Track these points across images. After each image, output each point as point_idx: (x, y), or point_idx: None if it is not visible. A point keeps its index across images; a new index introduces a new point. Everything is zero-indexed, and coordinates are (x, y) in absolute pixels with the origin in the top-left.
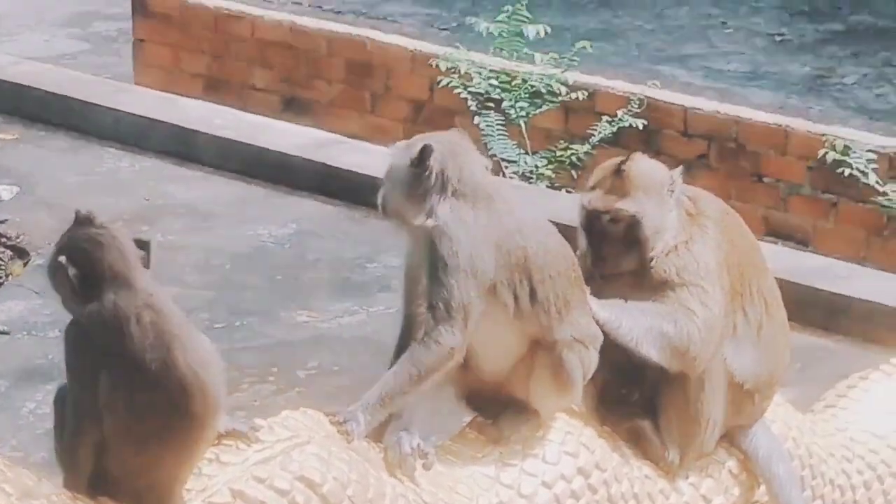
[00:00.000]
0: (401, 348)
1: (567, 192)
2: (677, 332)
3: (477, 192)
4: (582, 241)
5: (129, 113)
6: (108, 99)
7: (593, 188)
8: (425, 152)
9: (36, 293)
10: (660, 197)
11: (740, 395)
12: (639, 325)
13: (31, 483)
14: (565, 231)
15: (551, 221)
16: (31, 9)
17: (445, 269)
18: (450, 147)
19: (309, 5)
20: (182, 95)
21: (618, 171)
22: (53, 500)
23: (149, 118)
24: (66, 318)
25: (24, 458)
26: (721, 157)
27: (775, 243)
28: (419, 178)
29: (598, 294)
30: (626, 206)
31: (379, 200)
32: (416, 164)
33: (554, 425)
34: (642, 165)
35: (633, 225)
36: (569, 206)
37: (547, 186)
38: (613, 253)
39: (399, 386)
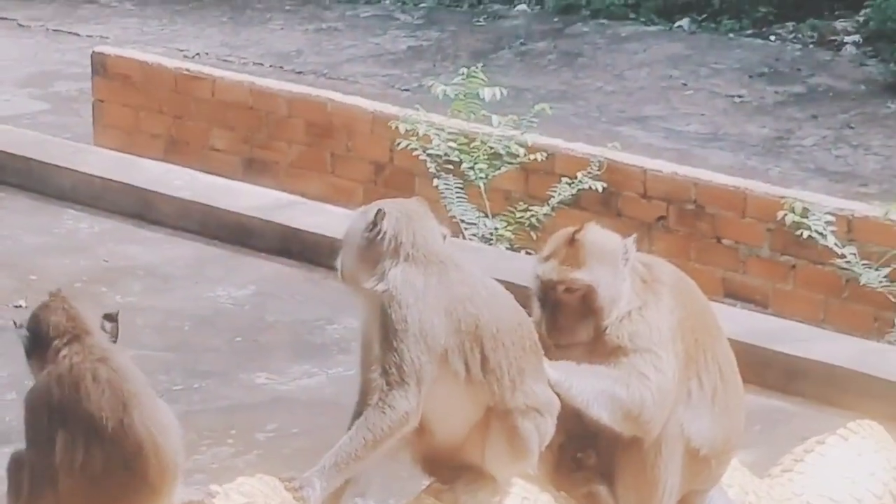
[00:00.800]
0: (358, 413)
1: (527, 253)
2: (629, 395)
3: (430, 258)
4: (536, 310)
5: (88, 174)
6: (67, 159)
7: (547, 259)
8: (378, 216)
9: None
10: (614, 266)
11: (696, 461)
12: (590, 387)
13: None
14: (524, 293)
15: (511, 283)
16: None
17: (395, 333)
18: (405, 213)
19: (270, 66)
20: (142, 156)
21: (571, 241)
22: None
23: (108, 179)
24: (24, 380)
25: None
26: (680, 219)
27: (734, 305)
28: (372, 243)
29: (551, 359)
30: (581, 276)
31: (337, 264)
32: (369, 229)
33: (510, 490)
34: (596, 235)
35: (589, 295)
36: (528, 268)
37: (507, 248)
38: (569, 323)
39: (354, 451)
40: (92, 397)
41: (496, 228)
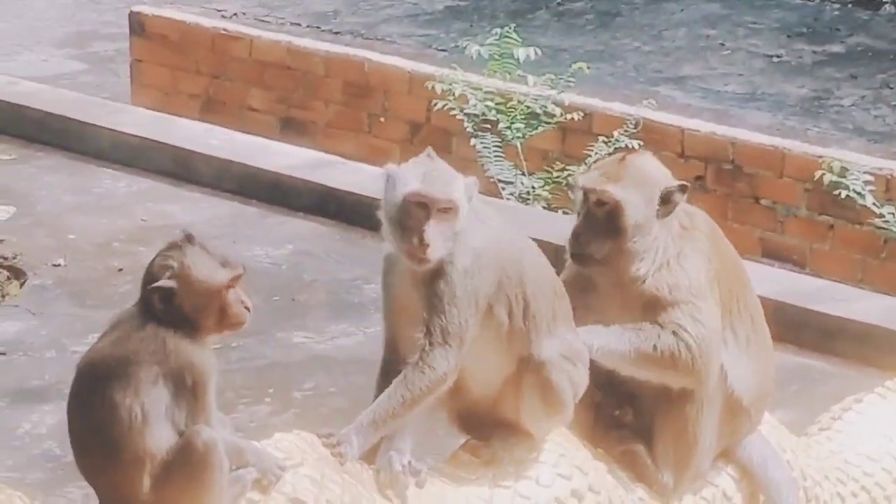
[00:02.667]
0: (385, 370)
1: (564, 213)
2: (670, 350)
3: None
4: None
5: (126, 133)
6: (105, 119)
7: (594, 170)
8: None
9: (32, 314)
10: (651, 195)
11: (736, 412)
12: (628, 347)
13: None
14: (561, 252)
15: (548, 243)
16: (28, 29)
17: (446, 296)
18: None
19: (307, 26)
20: (179, 116)
21: (620, 159)
22: None
23: (146, 139)
24: (62, 339)
25: (20, 479)
26: (718, 178)
27: (772, 265)
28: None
29: (586, 306)
30: (613, 190)
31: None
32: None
33: (548, 447)
34: (644, 160)
35: (615, 211)
36: (565, 225)
37: (543, 208)
38: (589, 234)
39: (392, 409)
40: None
41: (533, 188)
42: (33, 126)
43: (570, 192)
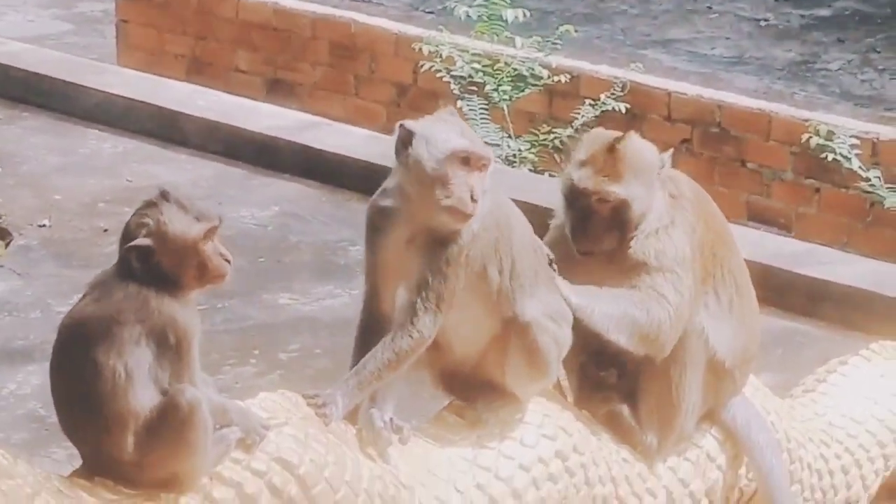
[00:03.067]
0: (364, 328)
1: (550, 175)
2: (648, 319)
3: None
4: (563, 215)
5: (112, 94)
6: (91, 80)
7: (584, 164)
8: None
9: (17, 274)
10: (649, 180)
11: (719, 374)
12: (611, 311)
13: (7, 463)
14: (549, 215)
15: (535, 206)
16: None
17: (452, 260)
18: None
19: None
20: (165, 77)
21: (611, 150)
22: (30, 481)
23: (132, 99)
24: (47, 299)
25: (4, 439)
26: (704, 142)
27: (758, 229)
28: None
29: (569, 270)
30: (618, 189)
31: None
32: (399, 151)
33: (532, 408)
34: (636, 146)
35: (621, 208)
36: (553, 189)
37: (530, 170)
38: (596, 231)
39: (377, 370)
40: None
41: (520, 150)
42: (19, 86)
43: (560, 188)
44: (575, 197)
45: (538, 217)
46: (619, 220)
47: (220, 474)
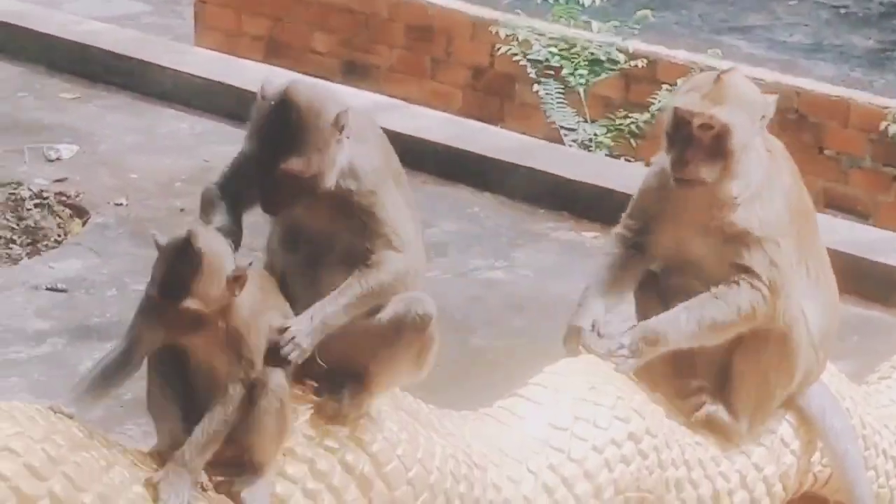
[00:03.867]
0: None
1: (626, 160)
2: (751, 306)
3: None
4: (666, 145)
5: (189, 74)
6: (168, 60)
7: (689, 91)
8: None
9: (94, 252)
10: (752, 116)
11: (810, 354)
12: (713, 323)
13: (82, 435)
14: (623, 199)
15: (612, 190)
16: None
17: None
18: None
19: None
20: (242, 58)
21: (717, 79)
22: (104, 453)
23: (209, 80)
24: (123, 277)
25: (79, 416)
26: (782, 128)
27: (835, 216)
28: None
29: (661, 219)
30: (721, 113)
31: None
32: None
33: (606, 390)
34: (742, 80)
35: (723, 134)
36: (627, 173)
37: (606, 155)
38: (697, 159)
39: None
40: None
41: (595, 135)
42: (98, 66)
43: (664, 123)
44: (677, 124)
45: (615, 202)
46: (720, 149)
47: (293, 450)
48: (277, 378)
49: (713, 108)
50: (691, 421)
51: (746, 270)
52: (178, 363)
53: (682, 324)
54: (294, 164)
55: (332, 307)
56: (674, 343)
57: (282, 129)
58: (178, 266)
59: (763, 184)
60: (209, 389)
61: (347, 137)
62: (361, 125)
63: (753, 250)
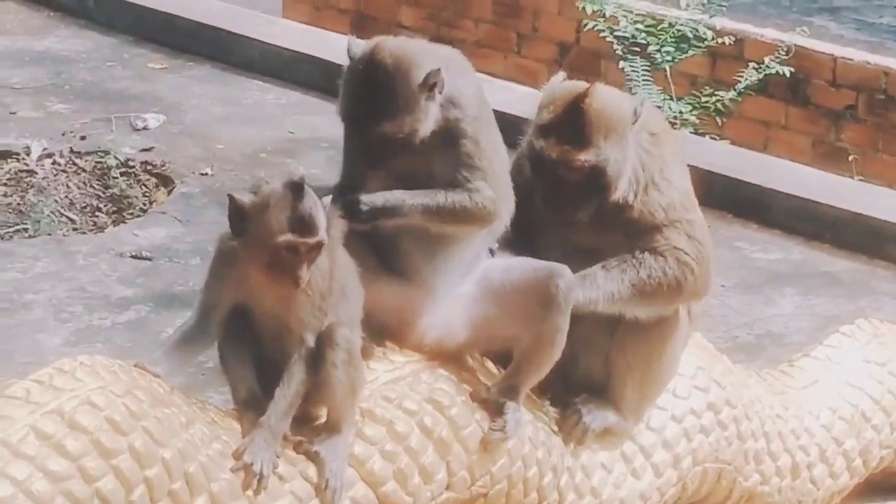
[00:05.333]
0: None
1: (712, 138)
2: (677, 278)
3: None
4: (534, 182)
5: (276, 46)
6: (255, 31)
7: (547, 131)
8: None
9: (178, 221)
10: (622, 136)
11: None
12: (636, 289)
13: (163, 392)
14: (709, 177)
15: (696, 168)
16: None
17: None
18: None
19: None
20: (329, 30)
21: (575, 112)
22: (184, 410)
23: (296, 52)
24: (207, 246)
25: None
26: (869, 108)
27: None
28: None
29: (562, 238)
30: (588, 157)
31: None
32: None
33: (685, 360)
34: (603, 102)
35: (595, 173)
36: (714, 152)
37: (691, 132)
38: (571, 201)
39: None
40: None
41: (681, 112)
42: (184, 36)
43: (525, 153)
44: (541, 166)
45: (702, 180)
46: (593, 186)
47: (371, 412)
48: (344, 331)
49: (578, 153)
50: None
51: (670, 248)
52: (245, 321)
53: (600, 279)
54: (387, 127)
55: (410, 199)
56: (589, 293)
57: (371, 91)
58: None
59: (653, 170)
60: (279, 343)
61: (440, 93)
62: (457, 62)
63: (666, 232)
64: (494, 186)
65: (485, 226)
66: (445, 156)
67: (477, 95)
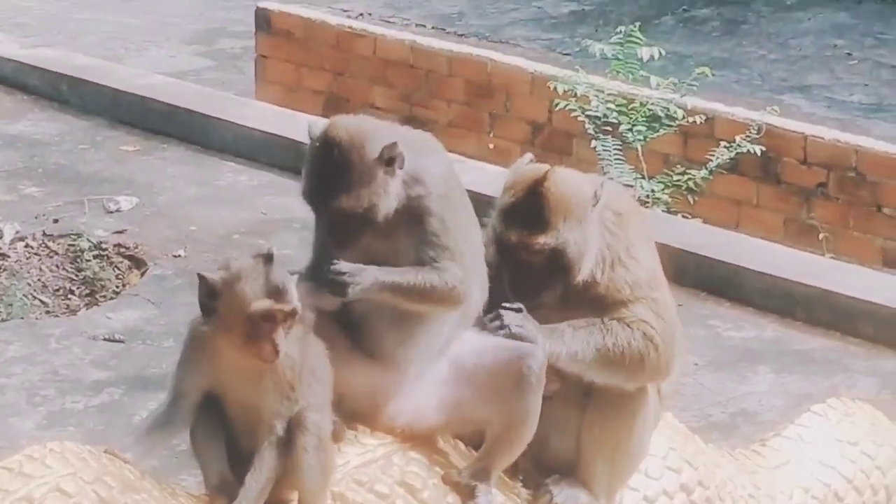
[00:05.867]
0: None
1: (684, 217)
2: (640, 351)
3: None
4: (498, 263)
5: (249, 127)
6: (228, 113)
7: (508, 214)
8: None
9: (152, 303)
10: (583, 217)
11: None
12: (600, 353)
13: (133, 478)
14: (680, 258)
15: (667, 246)
16: (159, 25)
17: None
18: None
19: (432, 27)
20: (302, 112)
21: (535, 195)
22: (155, 495)
23: (268, 133)
24: (181, 328)
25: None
26: (840, 186)
27: (894, 274)
28: None
29: (541, 319)
30: (548, 240)
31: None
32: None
33: (657, 440)
34: (562, 185)
35: (556, 256)
36: (686, 231)
37: (663, 211)
38: (535, 283)
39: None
40: None
41: (653, 191)
42: (158, 118)
43: (489, 235)
44: (504, 248)
45: (675, 258)
46: (556, 268)
47: (343, 495)
48: (314, 416)
49: (540, 235)
50: None
51: (637, 321)
52: (218, 406)
53: (567, 335)
54: (344, 202)
55: (385, 275)
56: (554, 347)
57: (328, 168)
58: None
59: (618, 249)
60: (250, 429)
61: (400, 168)
62: (426, 143)
63: (632, 307)
64: (463, 267)
65: (455, 307)
66: (411, 235)
67: (445, 175)
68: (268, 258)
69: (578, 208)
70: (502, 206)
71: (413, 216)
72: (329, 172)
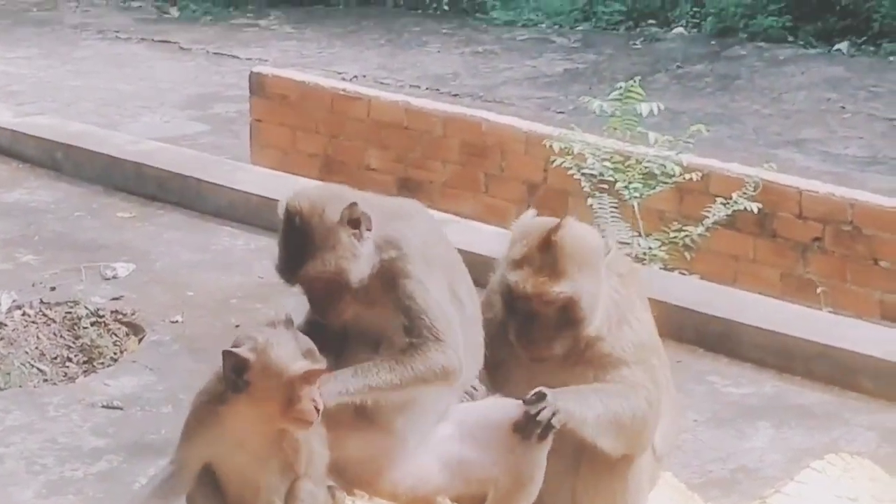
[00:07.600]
0: None
1: (681, 273)
2: (633, 417)
3: None
4: (502, 313)
5: (244, 192)
6: (224, 177)
7: (520, 265)
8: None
9: (150, 369)
10: (595, 270)
11: (654, 464)
12: (600, 414)
13: None
14: (679, 315)
15: (665, 303)
16: (153, 91)
17: None
18: None
19: (426, 88)
20: (298, 175)
21: (548, 246)
22: None
23: (264, 197)
24: (179, 394)
25: None
26: (836, 240)
27: (892, 328)
28: None
29: (526, 373)
30: (562, 289)
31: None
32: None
33: (656, 500)
34: (575, 236)
35: (569, 306)
36: (683, 287)
37: (660, 268)
38: (545, 335)
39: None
40: None
41: (650, 248)
42: (153, 184)
43: (498, 289)
44: (515, 301)
45: (670, 316)
46: (568, 319)
47: None
48: (307, 486)
49: (553, 285)
50: None
51: (640, 385)
52: (214, 474)
53: (592, 399)
54: (310, 268)
55: (356, 382)
56: (579, 416)
57: (292, 237)
58: None
59: (625, 307)
60: (247, 502)
61: (368, 230)
62: (405, 208)
63: (634, 370)
64: (451, 333)
65: (449, 384)
66: (391, 300)
67: (424, 237)
68: (288, 323)
69: (592, 258)
70: (514, 257)
71: (389, 278)
72: (294, 241)
